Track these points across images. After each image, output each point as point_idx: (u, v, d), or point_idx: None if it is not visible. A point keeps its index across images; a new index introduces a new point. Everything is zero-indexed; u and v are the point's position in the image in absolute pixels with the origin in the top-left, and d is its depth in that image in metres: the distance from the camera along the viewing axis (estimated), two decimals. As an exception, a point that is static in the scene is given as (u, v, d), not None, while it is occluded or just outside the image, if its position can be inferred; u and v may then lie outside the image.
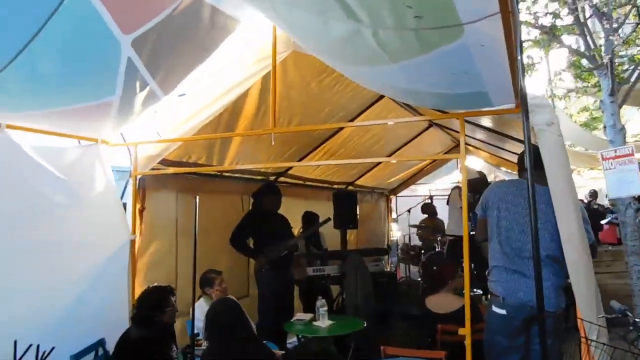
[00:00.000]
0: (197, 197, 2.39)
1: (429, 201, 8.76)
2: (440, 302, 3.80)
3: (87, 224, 3.43)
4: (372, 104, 5.41)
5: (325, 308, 4.22)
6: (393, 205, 10.04)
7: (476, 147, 8.71)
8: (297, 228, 6.02)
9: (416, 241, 8.71)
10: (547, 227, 2.57)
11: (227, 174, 4.93)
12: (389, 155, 7.32)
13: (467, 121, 5.07)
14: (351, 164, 7.16)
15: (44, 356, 2.34)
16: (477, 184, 6.29)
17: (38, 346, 2.35)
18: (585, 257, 2.44)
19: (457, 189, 6.41)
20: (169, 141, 3.68)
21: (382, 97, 5.39)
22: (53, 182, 3.22)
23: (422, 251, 8.08)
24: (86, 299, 3.32)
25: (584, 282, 2.40)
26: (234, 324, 2.54)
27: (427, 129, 7.20)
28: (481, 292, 5.72)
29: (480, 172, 6.66)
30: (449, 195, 6.51)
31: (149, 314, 3.07)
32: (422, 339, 3.78)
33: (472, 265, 4.46)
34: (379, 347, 3.35)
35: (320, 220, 5.79)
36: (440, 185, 10.03)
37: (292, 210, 5.63)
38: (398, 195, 10.08)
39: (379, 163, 7.61)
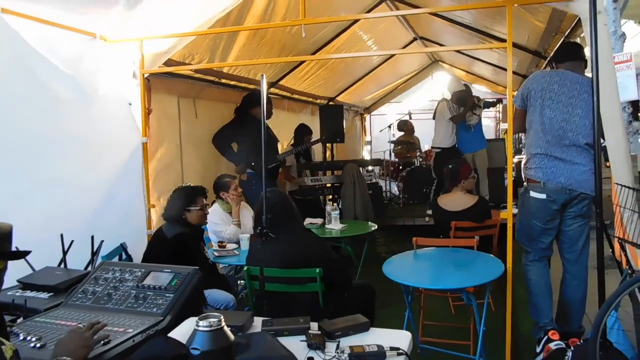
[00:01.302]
0: (264, 75, 2.23)
1: (407, 118, 8.80)
2: (453, 201, 3.92)
3: (97, 124, 3.18)
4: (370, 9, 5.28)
5: (337, 212, 4.26)
6: (367, 124, 10.07)
7: (452, 66, 8.77)
8: (284, 141, 5.94)
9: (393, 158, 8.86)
10: (589, 115, 2.65)
11: (224, 81, 4.70)
12: (375, 69, 7.29)
13: (443, 17, 5.08)
14: (334, 79, 7.04)
15: (99, 246, 2.24)
16: (462, 97, 6.37)
17: (93, 237, 2.24)
18: (624, 141, 2.55)
19: (444, 101, 6.44)
20: (177, 36, 3.41)
21: (380, 3, 5.28)
22: (58, 75, 2.92)
23: (400, 167, 8.26)
24: (107, 202, 3.16)
25: (624, 164, 2.52)
26: (293, 212, 2.54)
27: (410, 42, 7.12)
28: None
29: (465, 85, 6.70)
30: (436, 109, 6.53)
31: (178, 212, 3.00)
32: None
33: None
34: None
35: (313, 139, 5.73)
36: (413, 105, 10.05)
37: (277, 123, 5.48)
38: (372, 114, 10.09)
39: (362, 77, 7.57)
